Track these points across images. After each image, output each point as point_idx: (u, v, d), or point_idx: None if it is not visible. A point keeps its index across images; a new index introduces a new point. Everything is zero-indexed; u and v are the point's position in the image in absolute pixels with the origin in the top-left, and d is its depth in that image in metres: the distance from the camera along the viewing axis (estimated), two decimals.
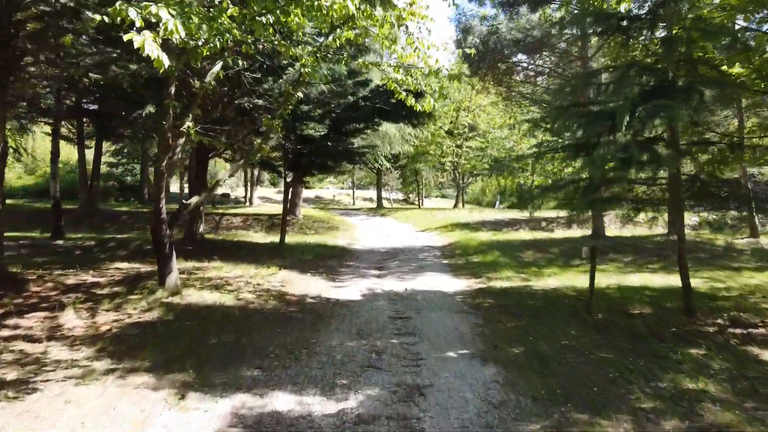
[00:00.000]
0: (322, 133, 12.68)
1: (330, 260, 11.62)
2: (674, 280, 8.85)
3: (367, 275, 9.83)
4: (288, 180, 13.03)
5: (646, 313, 6.49)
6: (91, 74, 7.94)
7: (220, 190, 39.16)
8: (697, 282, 8.54)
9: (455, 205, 27.14)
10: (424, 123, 12.65)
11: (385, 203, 33.44)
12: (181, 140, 7.36)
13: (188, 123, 7.23)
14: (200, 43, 4.91)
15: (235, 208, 26.54)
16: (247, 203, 30.83)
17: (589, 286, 6.27)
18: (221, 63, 7.50)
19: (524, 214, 22.55)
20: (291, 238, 15.93)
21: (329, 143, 12.62)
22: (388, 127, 17.33)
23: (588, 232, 16.59)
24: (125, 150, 28.69)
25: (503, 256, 11.92)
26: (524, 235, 16.37)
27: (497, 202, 33.07)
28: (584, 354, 5.01)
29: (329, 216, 22.72)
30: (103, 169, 32.01)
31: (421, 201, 35.23)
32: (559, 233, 16.97)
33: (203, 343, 5.27)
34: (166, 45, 4.80)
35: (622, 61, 7.49)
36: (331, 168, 13.48)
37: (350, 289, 8.47)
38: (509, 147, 26.33)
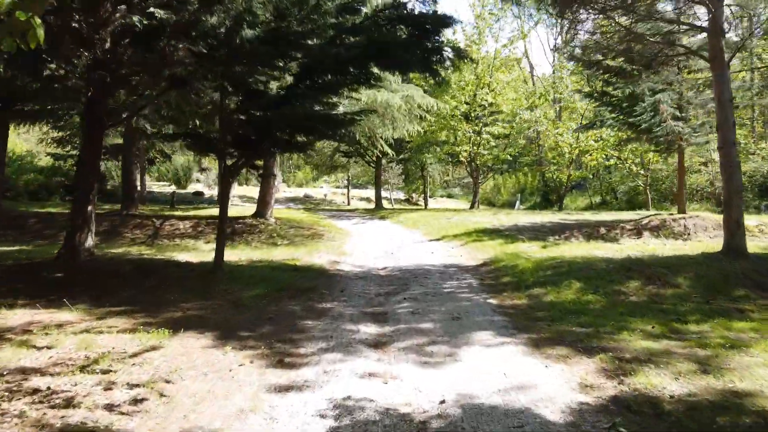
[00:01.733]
0: (286, 85, 7.75)
1: (292, 300, 6.65)
2: None
3: (353, 345, 4.85)
4: (231, 164, 8.02)
5: None
6: None
7: (192, 188, 34.10)
8: None
9: (472, 206, 22.16)
10: (452, 67, 7.66)
11: (384, 203, 28.48)
12: None
13: None
14: None
15: (200, 208, 21.56)
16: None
17: None
18: None
19: (563, 217, 17.60)
20: (251, 253, 10.99)
21: (297, 103, 7.62)
22: (389, 97, 12.36)
23: (675, 242, 11.66)
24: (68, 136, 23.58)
25: (590, 289, 6.96)
26: (585, 246, 11.36)
27: (517, 203, 28.10)
28: None
29: (314, 219, 17.73)
30: (47, 161, 27.10)
31: (426, 201, 30.25)
32: (630, 243, 12.03)
33: None
34: None
35: None
36: (301, 146, 8.50)
37: (308, 404, 3.49)
38: (542, 131, 21.35)
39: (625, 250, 10.64)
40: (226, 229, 14.20)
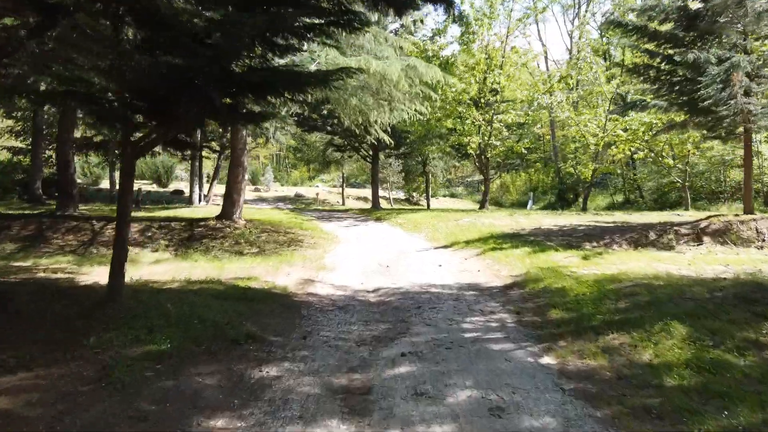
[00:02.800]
0: (218, 18, 5.06)
1: (211, 361, 3.93)
2: None
3: None
4: (138, 139, 5.30)
5: None
6: None
7: (174, 186, 31.34)
8: None
9: (482, 206, 19.42)
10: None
11: (383, 203, 25.76)
12: None
13: None
14: None
15: (169, 208, 18.87)
16: (199, 202, 23.14)
17: None
18: None
19: (592, 219, 14.88)
20: (203, 266, 8.33)
21: (238, 43, 4.89)
22: (385, 66, 9.63)
23: (749, 251, 8.93)
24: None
25: (705, 338, 4.23)
26: (639, 257, 8.58)
27: (530, 202, 25.37)
28: None
29: (297, 221, 15.02)
30: (5, 156, 24.37)
31: (428, 200, 27.54)
32: (693, 251, 9.27)
33: None
34: None
35: None
36: (253, 116, 5.78)
37: None
38: (563, 119, 18.62)
39: (698, 262, 7.93)
40: (189, 231, 11.51)
